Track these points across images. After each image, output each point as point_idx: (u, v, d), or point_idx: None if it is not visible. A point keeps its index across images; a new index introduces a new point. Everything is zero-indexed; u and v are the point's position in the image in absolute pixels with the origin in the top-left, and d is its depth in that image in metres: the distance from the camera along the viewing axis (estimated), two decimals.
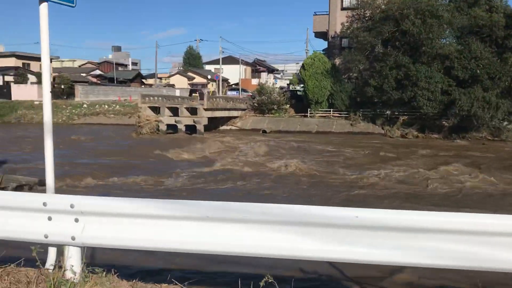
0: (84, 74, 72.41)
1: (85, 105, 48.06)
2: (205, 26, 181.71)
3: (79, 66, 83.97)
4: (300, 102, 44.96)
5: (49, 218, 3.43)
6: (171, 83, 76.83)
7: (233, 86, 76.10)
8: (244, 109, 43.63)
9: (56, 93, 55.24)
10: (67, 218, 3.40)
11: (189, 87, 71.37)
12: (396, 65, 36.49)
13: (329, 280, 5.81)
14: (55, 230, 3.41)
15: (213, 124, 38.58)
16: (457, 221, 2.99)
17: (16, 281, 3.42)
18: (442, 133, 36.77)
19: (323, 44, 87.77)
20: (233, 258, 3.56)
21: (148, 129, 35.02)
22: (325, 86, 40.91)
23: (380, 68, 37.29)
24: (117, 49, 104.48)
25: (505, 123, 35.52)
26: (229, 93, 66.56)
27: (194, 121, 35.41)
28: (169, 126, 36.27)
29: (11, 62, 58.97)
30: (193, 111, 36.06)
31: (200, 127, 35.42)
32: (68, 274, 3.40)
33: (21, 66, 58.68)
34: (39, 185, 16.90)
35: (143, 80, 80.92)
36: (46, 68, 3.84)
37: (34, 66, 61.06)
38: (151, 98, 38.12)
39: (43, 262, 3.59)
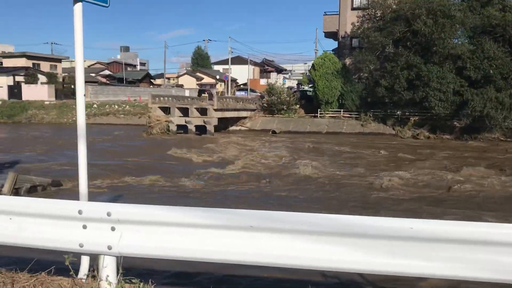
0: (93, 74, 72.62)
1: (95, 105, 48.14)
2: (212, 26, 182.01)
3: (88, 66, 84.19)
4: (309, 103, 44.74)
5: (84, 227, 3.30)
6: (179, 83, 76.86)
7: (241, 86, 75.99)
8: (253, 110, 43.49)
9: (66, 93, 55.45)
10: (103, 227, 3.26)
11: (198, 87, 71.36)
12: (408, 65, 36.19)
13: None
14: (91, 239, 3.28)
15: (223, 124, 38.48)
16: None
17: None
18: (454, 134, 36.42)
19: (333, 44, 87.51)
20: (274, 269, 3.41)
21: (159, 130, 34.97)
22: (336, 86, 40.68)
23: (391, 68, 37.01)
24: (126, 49, 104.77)
25: None
26: (238, 93, 66.46)
27: (204, 122, 35.32)
28: (179, 126, 36.22)
29: (22, 62, 59.21)
30: (203, 111, 35.96)
31: (210, 128, 35.32)
32: (103, 285, 3.26)
33: (31, 66, 58.87)
34: (52, 186, 16.90)
35: (152, 80, 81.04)
36: (80, 71, 3.71)
37: (44, 66, 61.31)
38: (161, 98, 38.07)
39: (76, 271, 3.46)
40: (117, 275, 3.28)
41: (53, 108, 48.14)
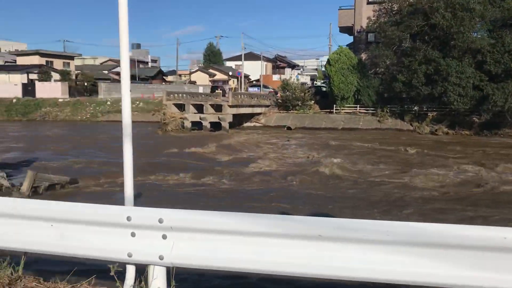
0: (105, 72, 72.65)
1: (108, 103, 48.11)
2: (224, 23, 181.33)
3: (101, 64, 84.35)
4: (324, 98, 44.30)
5: (133, 234, 3.01)
6: (192, 79, 76.62)
7: (254, 82, 75.56)
8: (267, 106, 43.14)
9: (79, 91, 55.53)
10: (154, 234, 2.97)
11: (210, 83, 71.11)
12: (426, 60, 35.59)
13: None
14: (140, 248, 2.99)
15: (237, 120, 38.19)
16: None
17: None
18: (473, 129, 35.81)
19: (347, 39, 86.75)
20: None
21: (173, 127, 34.78)
22: (352, 82, 40.19)
23: (409, 63, 36.43)
24: (137, 46, 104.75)
25: None
26: (250, 89, 66.04)
27: (219, 118, 35.06)
28: (193, 123, 36.02)
29: (35, 60, 59.38)
30: (217, 108, 35.70)
31: (225, 124, 35.05)
32: None
33: (44, 64, 59.02)
34: (70, 184, 16.76)
35: (164, 77, 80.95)
36: (125, 67, 3.43)
37: (57, 63, 61.44)
38: (176, 95, 37.87)
39: (120, 281, 3.18)
40: (169, 287, 3.00)
41: (67, 106, 48.20)
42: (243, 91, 61.01)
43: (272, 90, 60.01)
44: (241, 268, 2.92)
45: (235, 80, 74.69)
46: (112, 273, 3.08)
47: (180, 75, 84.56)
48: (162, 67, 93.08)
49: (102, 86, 54.21)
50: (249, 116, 40.56)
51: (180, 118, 35.55)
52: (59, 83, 53.62)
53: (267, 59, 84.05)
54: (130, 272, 3.20)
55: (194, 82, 73.00)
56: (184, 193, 14.67)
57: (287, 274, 2.86)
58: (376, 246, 2.71)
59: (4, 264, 3.74)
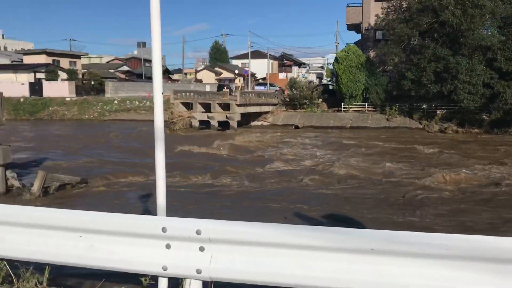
0: (112, 70, 72.64)
1: (115, 101, 48.01)
2: (228, 21, 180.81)
3: (107, 62, 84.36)
4: (332, 97, 44.01)
5: (168, 246, 2.81)
6: (198, 78, 76.49)
7: (260, 80, 75.29)
8: (275, 104, 42.91)
9: (86, 89, 55.49)
10: (190, 247, 2.78)
11: (217, 82, 70.93)
12: (435, 57, 35.23)
13: None
14: (176, 260, 2.80)
15: (245, 119, 37.98)
16: None
17: None
18: (483, 127, 35.46)
19: (354, 37, 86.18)
20: None
21: (181, 126, 34.63)
22: (360, 80, 39.89)
23: (418, 60, 36.09)
24: (142, 45, 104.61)
25: None
26: (257, 87, 65.80)
27: (227, 117, 34.87)
28: (201, 122, 35.86)
29: (42, 59, 59.39)
30: (225, 106, 35.51)
31: (233, 123, 34.87)
32: None
33: (51, 63, 59.01)
34: (80, 184, 16.64)
35: (170, 76, 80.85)
36: (157, 67, 3.24)
37: (63, 62, 61.44)
38: (183, 94, 37.72)
39: None
40: None
41: (74, 105, 48.15)
42: (249, 89, 60.83)
43: (279, 89, 59.77)
44: (283, 283, 2.72)
45: (241, 78, 74.48)
46: (144, 287, 2.90)
47: (185, 74, 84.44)
48: (167, 66, 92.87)
49: (109, 85, 54.12)
50: (257, 115, 40.36)
51: (188, 117, 35.41)
52: (66, 82, 53.59)
53: (273, 57, 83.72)
54: (163, 285, 3.01)
55: (200, 81, 72.86)
56: (203, 193, 14.46)
57: None
58: (434, 261, 2.51)
59: (27, 275, 3.57)
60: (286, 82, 70.66)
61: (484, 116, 35.83)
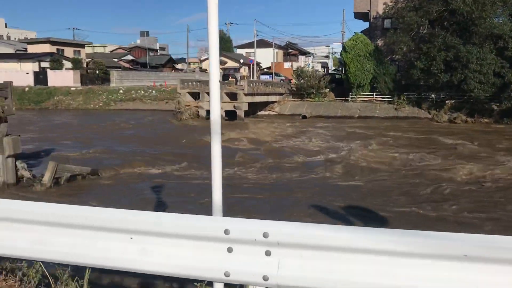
0: (116, 60, 72.23)
1: (121, 91, 47.69)
2: (231, 9, 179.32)
3: (111, 52, 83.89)
4: (339, 86, 43.61)
5: (229, 250, 2.55)
6: (203, 67, 76.04)
7: (265, 70, 74.77)
8: (282, 94, 42.56)
9: (91, 79, 55.19)
10: (255, 251, 2.51)
11: (221, 71, 70.46)
12: (445, 46, 34.76)
13: None
14: (240, 266, 2.53)
15: (251, 109, 37.65)
16: None
17: None
18: (493, 117, 35.07)
19: (361, 26, 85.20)
20: None
21: (188, 115, 34.34)
22: (368, 69, 39.46)
23: (427, 49, 35.62)
24: (145, 34, 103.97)
25: None
26: (262, 77, 65.32)
27: (234, 107, 34.54)
28: (208, 112, 35.29)
29: (46, 48, 59.01)
30: (233, 96, 35.18)
31: (240, 113, 34.55)
32: None
33: (55, 52, 58.63)
34: (91, 175, 16.44)
35: (174, 65, 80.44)
36: (215, 62, 2.96)
37: (67, 52, 61.06)
38: (190, 83, 37.37)
39: None
40: None
41: (79, 94, 47.87)
42: (255, 79, 60.37)
43: (285, 78, 59.32)
44: None
45: (246, 67, 73.98)
46: None
47: (189, 63, 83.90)
48: (170, 55, 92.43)
49: (114, 74, 53.76)
50: (263, 105, 40.01)
51: (195, 107, 35.09)
52: (71, 71, 53.27)
53: (278, 47, 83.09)
54: None
55: (205, 70, 72.42)
56: (228, 185, 14.13)
57: None
58: None
59: (65, 277, 3.32)
60: (291, 72, 70.30)
61: (494, 106, 35.42)
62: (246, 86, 34.73)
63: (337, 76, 49.69)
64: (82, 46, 65.97)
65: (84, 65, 60.12)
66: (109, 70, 57.34)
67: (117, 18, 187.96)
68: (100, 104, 46.26)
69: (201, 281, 2.68)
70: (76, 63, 56.10)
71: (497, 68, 33.68)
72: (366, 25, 48.85)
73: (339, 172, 15.50)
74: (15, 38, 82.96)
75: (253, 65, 63.82)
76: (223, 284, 2.79)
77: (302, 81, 42.31)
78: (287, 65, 77.10)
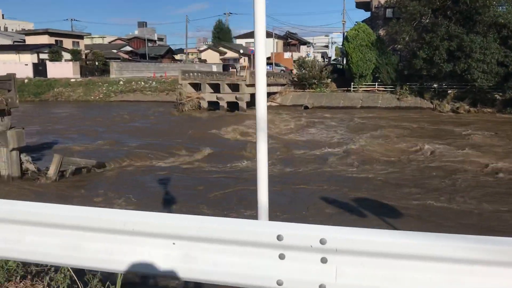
0: (115, 51, 71.72)
1: (121, 82, 47.33)
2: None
3: (109, 43, 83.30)
4: (341, 76, 43.34)
5: (281, 257, 2.37)
6: (202, 58, 75.56)
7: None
8: (283, 85, 42.29)
9: (90, 70, 54.80)
10: (309, 257, 2.34)
11: (221, 62, 70.08)
12: (448, 35, 34.48)
13: None
14: (294, 274, 2.36)
15: (253, 100, 37.34)
16: None
17: None
18: (496, 107, 34.89)
19: (362, 15, 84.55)
20: None
21: (190, 107, 34.08)
22: (370, 59, 39.18)
23: (430, 39, 35.33)
24: (143, 25, 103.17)
25: None
26: None
27: (236, 98, 34.28)
28: (210, 103, 35.26)
29: (44, 39, 58.49)
30: (234, 87, 34.90)
31: (242, 104, 34.30)
32: None
33: (54, 43, 58.12)
34: (96, 168, 16.26)
35: (173, 56, 79.96)
36: (261, 56, 2.80)
37: (66, 43, 60.53)
38: (191, 74, 37.07)
39: None
40: None
41: (79, 86, 47.52)
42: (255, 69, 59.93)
43: (286, 68, 58.92)
44: None
45: (246, 58, 73.53)
46: None
47: (187, 54, 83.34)
48: (169, 46, 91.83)
49: (114, 65, 53.36)
50: None
51: (197, 98, 34.83)
52: (71, 63, 52.85)
53: (278, 36, 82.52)
54: None
55: (204, 61, 71.97)
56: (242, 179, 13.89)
57: None
58: None
59: (95, 282, 3.15)
60: (291, 62, 69.87)
61: (497, 95, 35.24)
62: (248, 77, 34.43)
63: (338, 66, 49.39)
64: (81, 37, 65.46)
65: (83, 57, 59.67)
66: (108, 61, 56.93)
67: (114, 8, 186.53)
68: (101, 96, 45.92)
69: None
70: (75, 55, 55.64)
71: (500, 58, 33.47)
72: (367, 14, 48.50)
73: (353, 164, 15.31)
74: (12, 30, 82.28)
75: (253, 55, 63.19)
76: None
77: (303, 71, 42.02)
78: (287, 55, 76.58)
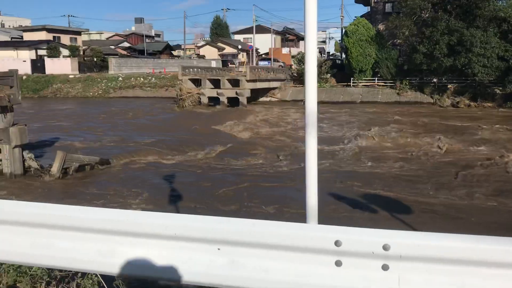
0: (112, 47, 71.31)
1: (120, 78, 47.02)
2: None
3: (107, 39, 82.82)
4: (340, 71, 43.16)
5: (338, 263, 2.22)
6: (201, 54, 75.24)
7: (263, 56, 74.06)
8: (283, 80, 42.09)
9: (89, 66, 54.46)
10: (369, 264, 2.19)
11: (219, 57, 69.82)
12: (448, 30, 34.32)
13: None
14: (351, 282, 2.20)
15: (253, 95, 37.17)
16: None
17: None
18: (496, 101, 34.80)
19: (360, 10, 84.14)
20: None
21: (190, 102, 33.86)
22: (370, 54, 39.03)
23: (430, 33, 35.17)
24: (140, 21, 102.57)
25: None
26: (260, 63, 64.73)
27: (236, 93, 34.06)
28: (210, 98, 35.03)
29: (42, 35, 58.06)
30: (235, 83, 34.69)
31: (243, 99, 34.09)
32: None
33: (51, 39, 57.71)
34: (100, 164, 16.08)
35: (172, 52, 79.58)
36: (311, 51, 2.67)
37: (64, 39, 60.11)
38: (191, 70, 36.82)
39: None
40: None
41: (78, 82, 47.20)
42: (254, 65, 59.78)
43: (284, 64, 58.71)
44: None
45: (244, 53, 73.25)
46: None
47: (184, 49, 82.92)
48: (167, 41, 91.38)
49: (112, 61, 53.03)
50: (265, 91, 39.53)
51: (197, 93, 34.60)
52: (69, 59, 52.50)
53: (276, 32, 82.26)
54: None
55: (203, 56, 71.67)
56: (255, 179, 13.65)
57: None
58: None
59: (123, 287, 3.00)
60: (289, 57, 69.62)
61: (497, 90, 35.15)
62: (249, 72, 34.24)
63: (337, 61, 49.23)
64: (79, 33, 65.01)
65: (81, 53, 59.29)
66: (106, 57, 56.57)
67: (110, 4, 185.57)
68: (100, 92, 45.62)
69: None
70: (74, 51, 55.26)
71: (501, 52, 33.35)
72: (365, 9, 48.45)
73: (364, 159, 15.15)
74: (9, 26, 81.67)
75: (252, 51, 63.07)
76: None
77: (303, 66, 41.68)
78: (285, 50, 76.40)
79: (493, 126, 22.84)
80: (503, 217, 9.19)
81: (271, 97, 40.64)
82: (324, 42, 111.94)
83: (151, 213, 2.51)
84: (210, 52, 74.28)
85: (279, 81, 41.31)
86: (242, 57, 71.83)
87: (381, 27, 41.69)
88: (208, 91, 34.79)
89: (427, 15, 35.85)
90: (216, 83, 35.09)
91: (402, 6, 37.03)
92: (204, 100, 34.64)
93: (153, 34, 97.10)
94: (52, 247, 2.65)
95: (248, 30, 78.59)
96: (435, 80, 37.70)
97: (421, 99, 37.59)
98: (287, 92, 41.27)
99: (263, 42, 76.17)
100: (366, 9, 48.58)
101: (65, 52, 54.84)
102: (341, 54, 56.40)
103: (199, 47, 79.40)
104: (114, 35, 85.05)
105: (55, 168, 14.39)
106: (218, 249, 2.37)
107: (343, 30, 48.60)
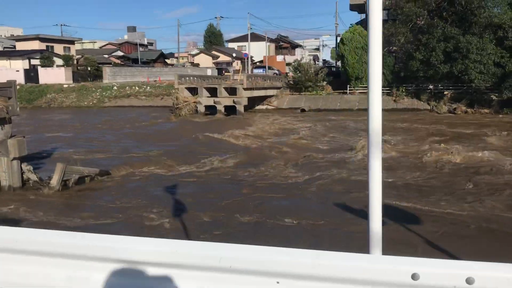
0: (106, 56, 71.05)
1: (115, 87, 46.74)
2: (218, 3, 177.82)
3: (100, 48, 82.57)
4: (336, 79, 43.19)
5: None
6: (195, 62, 75.12)
7: (258, 63, 74.07)
8: (279, 88, 42.03)
9: (82, 75, 54.13)
10: None
11: (214, 66, 69.74)
12: (444, 37, 34.46)
13: None
14: None
15: (249, 103, 37.06)
16: None
17: None
18: (492, 107, 34.89)
19: (353, 18, 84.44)
20: None
21: (187, 111, 33.66)
22: (366, 61, 38.92)
23: (427, 40, 35.32)
24: (132, 29, 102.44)
25: None
26: (255, 71, 64.70)
27: (234, 102, 33.92)
28: (207, 107, 34.86)
29: (35, 45, 57.73)
30: (232, 91, 34.55)
31: (240, 108, 33.96)
32: None
33: (45, 49, 57.35)
34: (100, 176, 15.80)
35: (166, 60, 79.43)
36: (377, 63, 2.49)
37: (57, 48, 59.78)
38: (188, 78, 36.65)
39: None
40: None
41: (72, 92, 46.85)
42: (248, 73, 59.71)
43: (276, 72, 58.65)
44: None
45: (239, 61, 73.23)
46: None
47: (177, 58, 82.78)
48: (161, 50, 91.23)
49: (107, 70, 52.74)
50: (261, 99, 39.44)
51: (194, 102, 34.41)
52: (63, 68, 52.14)
53: (270, 40, 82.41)
54: None
55: (197, 65, 71.56)
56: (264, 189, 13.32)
57: None
58: None
59: None
60: (284, 65, 69.67)
61: (493, 96, 35.27)
62: (245, 80, 34.14)
63: (333, 68, 49.30)
64: (72, 42, 64.71)
65: (75, 62, 58.95)
66: (100, 66, 56.29)
67: (102, 13, 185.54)
68: (94, 101, 45.28)
69: None
70: (67, 60, 54.92)
71: (497, 58, 33.51)
72: (359, 17, 48.50)
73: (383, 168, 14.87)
74: (1, 35, 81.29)
75: (247, 59, 63.04)
76: None
77: (299, 74, 41.79)
78: (279, 58, 76.47)
79: (497, 133, 22.76)
80: None
81: (268, 105, 40.55)
82: (317, 49, 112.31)
83: (204, 243, 2.29)
84: (205, 60, 74.22)
85: (276, 89, 41.25)
86: (237, 65, 71.81)
87: None
88: (205, 99, 34.61)
89: (423, 22, 36.01)
90: (212, 92, 34.93)
91: (398, 13, 37.19)
92: (201, 108, 34.46)
93: (146, 43, 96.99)
94: (89, 279, 2.43)
95: (242, 38, 78.65)
96: (431, 87, 37.80)
97: (418, 106, 37.66)
98: (284, 100, 41.20)
99: (257, 50, 76.21)
100: (360, 16, 48.70)
101: (58, 61, 54.49)
102: (336, 62, 56.45)
103: (193, 55, 79.30)
104: (107, 44, 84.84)
105: (55, 181, 14.10)
106: (277, 282, 2.16)
107: (339, 38, 48.68)
